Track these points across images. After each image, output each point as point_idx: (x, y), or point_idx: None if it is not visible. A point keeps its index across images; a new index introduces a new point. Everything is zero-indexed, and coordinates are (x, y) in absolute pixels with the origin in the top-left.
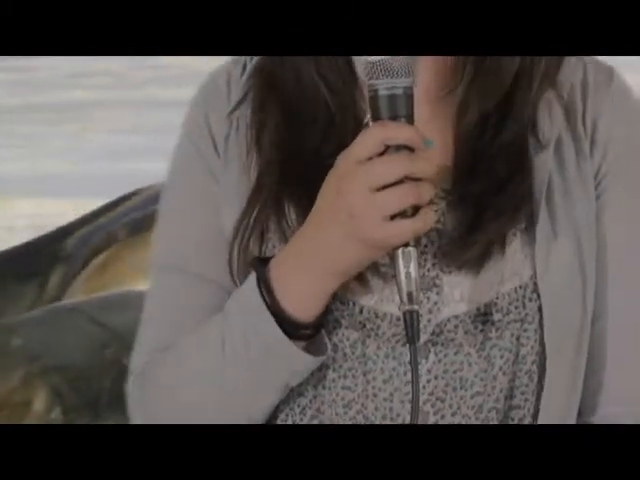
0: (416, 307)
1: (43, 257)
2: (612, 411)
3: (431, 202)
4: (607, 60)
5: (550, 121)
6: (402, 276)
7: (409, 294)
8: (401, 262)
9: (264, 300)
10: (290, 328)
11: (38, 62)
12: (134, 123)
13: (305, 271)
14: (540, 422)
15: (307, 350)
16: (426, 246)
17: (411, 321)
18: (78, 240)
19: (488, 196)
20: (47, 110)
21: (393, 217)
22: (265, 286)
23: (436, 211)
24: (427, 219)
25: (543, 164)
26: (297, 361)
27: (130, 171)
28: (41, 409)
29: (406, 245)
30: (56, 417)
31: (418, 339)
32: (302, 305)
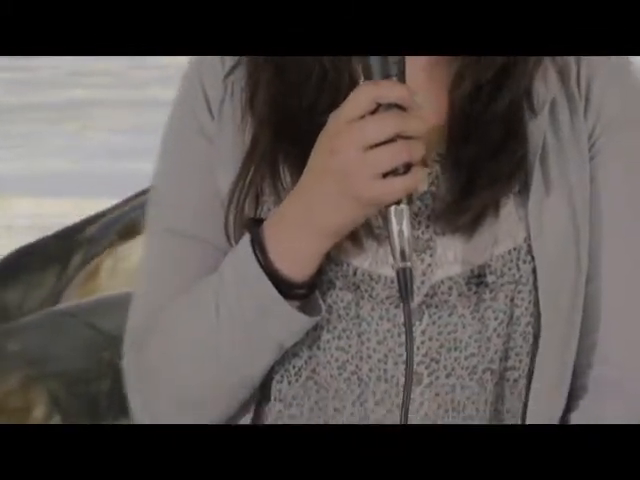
0: (409, 264)
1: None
2: (606, 372)
3: (423, 160)
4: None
5: (545, 86)
6: (395, 234)
7: (402, 251)
8: (393, 220)
9: (258, 260)
10: (284, 288)
11: (38, 61)
12: (134, 122)
13: (298, 230)
14: (534, 383)
15: (301, 310)
16: (420, 208)
17: (404, 279)
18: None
19: (482, 162)
20: (47, 109)
21: (385, 175)
22: (259, 246)
23: (430, 174)
24: (419, 177)
25: (538, 128)
26: (291, 321)
27: (130, 170)
28: (40, 416)
29: (398, 203)
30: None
31: (411, 297)
32: (296, 265)
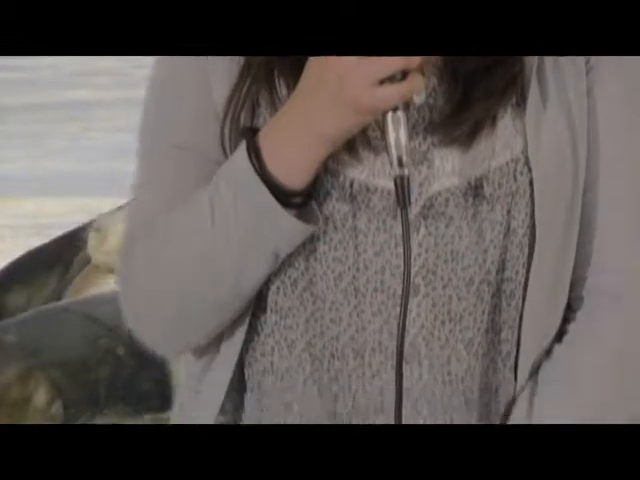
0: (406, 172)
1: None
2: (602, 281)
3: (420, 69)
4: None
5: None
6: (392, 141)
7: (399, 158)
8: (390, 126)
9: (254, 167)
10: (280, 195)
11: (41, 61)
12: (137, 122)
13: (294, 138)
14: (530, 294)
15: (298, 219)
16: (417, 120)
17: (401, 186)
18: None
19: (478, 75)
20: (48, 109)
21: (382, 82)
22: (255, 153)
23: (427, 86)
24: (415, 84)
25: None
26: (287, 228)
27: (132, 170)
28: (41, 404)
29: (395, 110)
30: (57, 411)
31: (409, 204)
32: (291, 172)
